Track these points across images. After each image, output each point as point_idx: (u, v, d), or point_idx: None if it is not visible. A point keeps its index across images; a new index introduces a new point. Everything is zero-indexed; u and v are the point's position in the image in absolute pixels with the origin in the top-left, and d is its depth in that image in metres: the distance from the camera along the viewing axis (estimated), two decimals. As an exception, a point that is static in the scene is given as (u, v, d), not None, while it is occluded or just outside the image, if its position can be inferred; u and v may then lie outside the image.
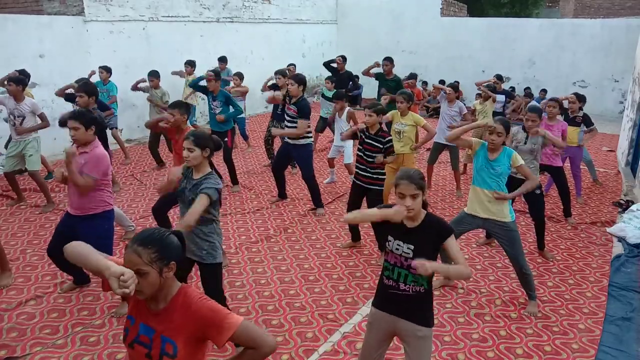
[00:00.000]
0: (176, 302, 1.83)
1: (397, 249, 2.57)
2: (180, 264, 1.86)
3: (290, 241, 5.31)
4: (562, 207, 5.96)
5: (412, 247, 2.52)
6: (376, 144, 4.69)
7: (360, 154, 4.82)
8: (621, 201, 6.60)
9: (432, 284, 2.63)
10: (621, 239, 5.40)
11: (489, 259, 4.99)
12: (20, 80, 5.79)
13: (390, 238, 2.61)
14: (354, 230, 5.14)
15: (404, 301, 2.58)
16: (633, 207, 5.94)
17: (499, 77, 8.81)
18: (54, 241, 3.91)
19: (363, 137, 4.78)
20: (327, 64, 8.93)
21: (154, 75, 7.90)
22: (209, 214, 3.19)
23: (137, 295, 1.80)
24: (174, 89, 9.11)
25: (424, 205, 2.61)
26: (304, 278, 4.53)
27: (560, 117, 5.99)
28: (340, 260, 4.89)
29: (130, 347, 1.88)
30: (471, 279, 4.54)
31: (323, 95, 8.18)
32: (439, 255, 2.66)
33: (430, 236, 2.53)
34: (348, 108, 6.92)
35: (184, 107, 4.66)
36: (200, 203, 3.03)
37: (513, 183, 4.17)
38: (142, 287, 1.75)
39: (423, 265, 2.31)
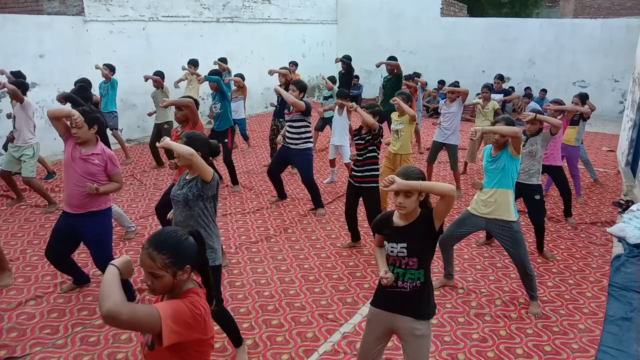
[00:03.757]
0: None
1: (392, 251, 2.58)
2: (199, 264, 1.92)
3: (290, 241, 5.31)
4: (562, 207, 5.97)
5: (404, 245, 2.53)
6: (361, 141, 4.76)
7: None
8: (621, 201, 6.60)
9: (429, 277, 2.63)
10: (621, 239, 5.40)
11: (489, 259, 4.98)
12: (18, 85, 5.79)
13: (384, 242, 2.63)
14: (354, 230, 5.14)
15: (402, 297, 2.59)
16: (633, 207, 5.94)
17: (500, 77, 8.73)
18: (51, 243, 3.93)
19: (357, 140, 4.81)
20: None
21: (158, 75, 7.79)
22: (204, 211, 3.12)
23: (149, 292, 1.89)
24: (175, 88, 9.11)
25: (427, 207, 2.61)
26: (304, 278, 4.53)
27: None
28: (340, 260, 4.89)
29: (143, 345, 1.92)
30: (471, 279, 4.54)
31: (324, 97, 8.22)
32: (437, 251, 2.67)
33: (422, 229, 2.53)
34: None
35: (194, 103, 4.71)
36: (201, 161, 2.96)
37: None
38: (156, 287, 1.82)
39: (392, 182, 2.42)
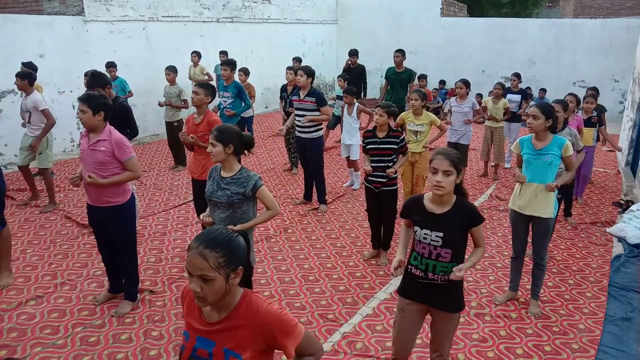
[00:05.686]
0: (239, 311, 1.66)
1: (424, 238, 2.52)
2: (246, 268, 1.70)
3: (290, 241, 5.31)
4: (562, 206, 5.95)
5: (440, 234, 2.48)
6: (389, 146, 4.61)
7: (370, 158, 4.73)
8: (621, 201, 6.60)
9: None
10: (621, 239, 5.40)
11: (489, 259, 4.98)
12: (25, 75, 5.76)
13: (416, 228, 2.57)
14: (378, 235, 4.97)
15: (434, 290, 2.56)
16: (633, 207, 5.94)
17: (517, 76, 8.46)
18: (96, 237, 3.95)
19: (370, 145, 4.66)
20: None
21: (171, 69, 7.69)
22: (247, 213, 3.12)
23: (198, 303, 1.63)
24: (182, 83, 9.10)
25: (462, 193, 2.58)
26: (304, 278, 4.53)
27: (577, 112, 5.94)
28: (340, 260, 4.89)
29: None
30: (471, 279, 4.54)
31: (337, 96, 8.21)
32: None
33: (460, 221, 2.49)
34: (357, 104, 6.86)
35: (210, 90, 4.68)
36: (268, 196, 3.11)
37: None
38: (206, 295, 1.57)
39: (458, 276, 2.43)
